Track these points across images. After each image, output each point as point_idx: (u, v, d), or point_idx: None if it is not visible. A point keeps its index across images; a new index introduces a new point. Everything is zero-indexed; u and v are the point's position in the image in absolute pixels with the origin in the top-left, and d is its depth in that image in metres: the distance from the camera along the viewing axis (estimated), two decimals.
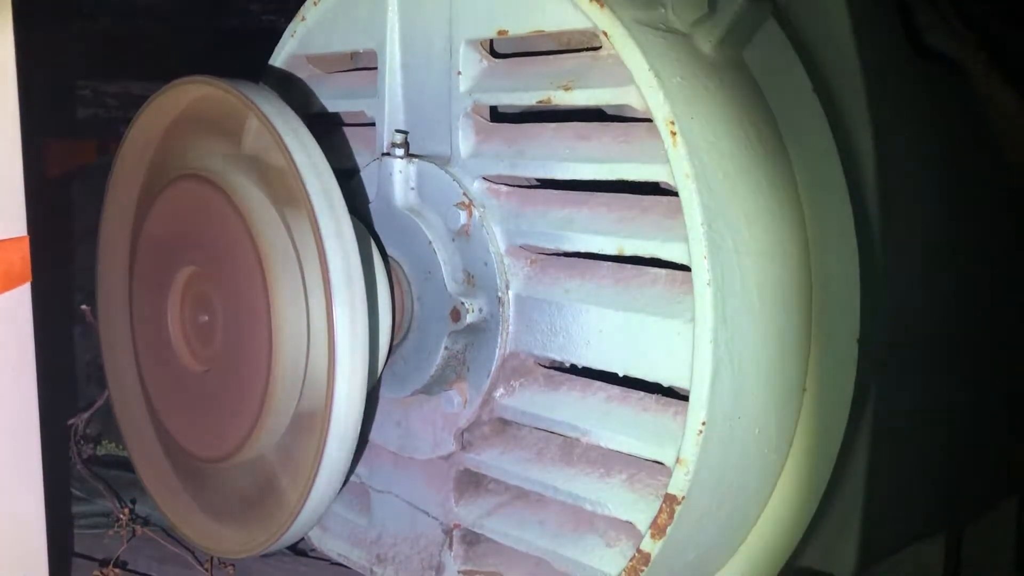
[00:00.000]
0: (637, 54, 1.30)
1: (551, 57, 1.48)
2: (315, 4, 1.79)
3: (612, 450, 1.40)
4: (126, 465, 2.09)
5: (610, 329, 1.38)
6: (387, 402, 1.70)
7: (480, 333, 1.53)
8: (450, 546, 1.62)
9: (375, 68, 1.69)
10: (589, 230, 1.40)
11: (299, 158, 1.37)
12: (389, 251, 1.62)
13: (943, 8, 1.78)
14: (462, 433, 1.58)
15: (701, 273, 1.26)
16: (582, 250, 1.42)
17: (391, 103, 1.66)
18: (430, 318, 1.57)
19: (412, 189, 1.61)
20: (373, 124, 1.70)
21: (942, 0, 1.79)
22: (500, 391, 1.52)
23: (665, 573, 1.38)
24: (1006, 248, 1.82)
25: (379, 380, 1.64)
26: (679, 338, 1.29)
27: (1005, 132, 1.84)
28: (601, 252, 1.39)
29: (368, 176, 1.69)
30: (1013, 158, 1.86)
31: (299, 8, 1.82)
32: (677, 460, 1.29)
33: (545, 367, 1.52)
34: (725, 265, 1.27)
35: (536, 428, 1.52)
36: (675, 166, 1.28)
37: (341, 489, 1.46)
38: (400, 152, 1.60)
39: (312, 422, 1.40)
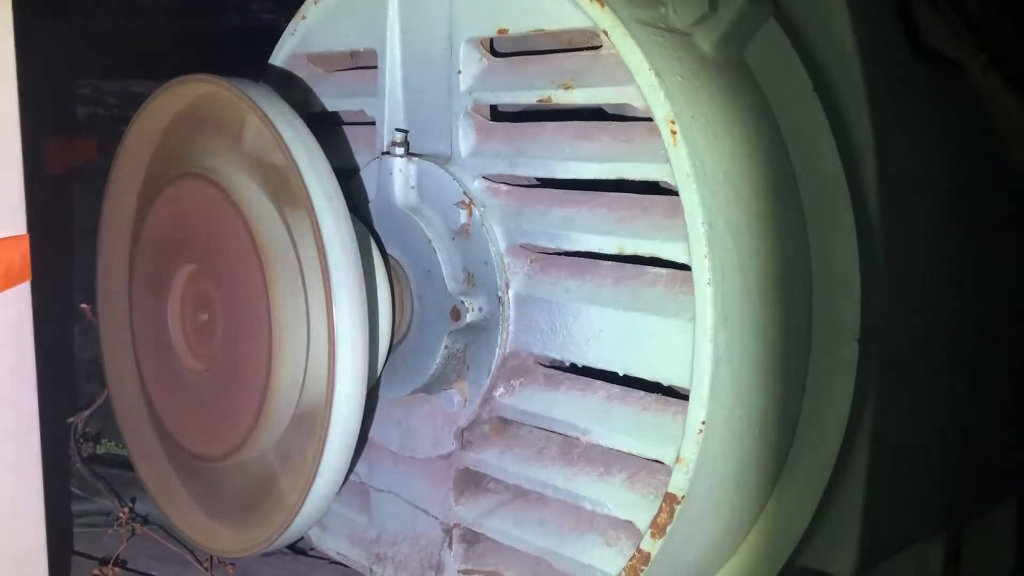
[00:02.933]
0: (637, 53, 1.30)
1: (551, 56, 1.48)
2: (316, 3, 1.79)
3: (612, 449, 1.40)
4: (126, 464, 2.08)
5: (610, 328, 1.38)
6: (387, 401, 1.70)
7: (480, 332, 1.53)
8: (450, 545, 1.62)
9: (375, 67, 1.69)
10: (589, 229, 1.40)
11: (299, 157, 1.37)
12: (389, 250, 1.62)
13: (943, 8, 1.78)
14: (462, 432, 1.58)
15: (701, 272, 1.26)
16: (582, 249, 1.42)
17: (391, 102, 1.66)
18: (430, 317, 1.57)
19: (412, 188, 1.61)
20: (373, 123, 1.70)
21: (942, 0, 1.79)
22: (500, 390, 1.52)
23: (665, 572, 1.38)
24: (1007, 248, 1.82)
25: (379, 379, 1.64)
26: (679, 337, 1.29)
27: (1005, 131, 1.84)
28: (601, 251, 1.39)
29: (368, 175, 1.69)
30: (1013, 157, 1.86)
31: (299, 7, 1.82)
32: (677, 459, 1.29)
33: (545, 366, 1.52)
34: (725, 265, 1.27)
35: (536, 427, 1.52)
36: (675, 165, 1.28)
37: (341, 488, 1.46)
38: (400, 151, 1.60)
39: (312, 421, 1.39)
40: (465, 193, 1.53)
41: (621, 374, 1.38)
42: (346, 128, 1.83)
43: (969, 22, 1.80)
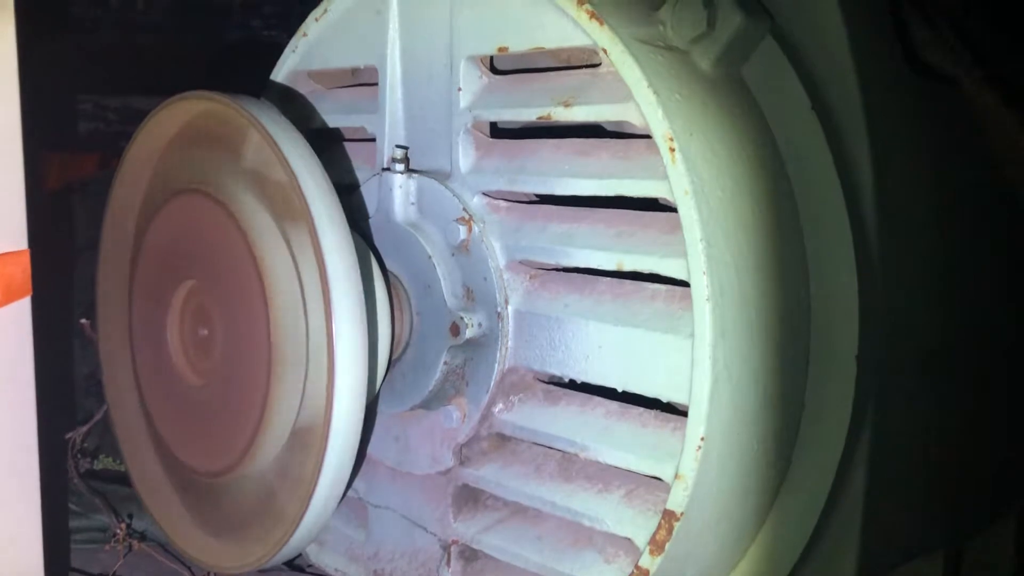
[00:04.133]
0: (636, 71, 1.31)
1: (551, 74, 1.49)
2: (317, 20, 1.80)
3: (611, 465, 1.40)
4: (123, 480, 2.08)
5: (609, 344, 1.38)
6: (386, 417, 1.70)
7: (479, 348, 1.53)
8: (448, 562, 1.61)
9: (376, 84, 1.69)
10: (588, 245, 1.41)
11: (300, 173, 1.37)
12: (389, 266, 1.63)
13: (940, 25, 1.79)
14: (460, 448, 1.58)
15: (700, 289, 1.26)
16: (581, 265, 1.42)
17: (391, 119, 1.67)
18: (429, 333, 1.58)
19: (412, 204, 1.61)
20: (373, 139, 1.71)
21: (939, 17, 1.80)
22: (499, 406, 1.52)
23: None
24: (1004, 264, 1.83)
25: (378, 395, 1.64)
26: (678, 353, 1.29)
27: (1002, 148, 1.85)
28: (600, 267, 1.40)
29: (368, 191, 1.69)
30: (1010, 174, 1.87)
31: (300, 24, 1.83)
32: (676, 476, 1.29)
33: (544, 382, 1.52)
34: (724, 281, 1.28)
35: (535, 443, 1.51)
36: (674, 182, 1.28)
37: (339, 504, 1.46)
38: (400, 167, 1.61)
39: (310, 437, 1.39)
40: (465, 209, 1.53)
41: (620, 390, 1.38)
42: (346, 144, 1.83)
43: (965, 39, 1.81)
